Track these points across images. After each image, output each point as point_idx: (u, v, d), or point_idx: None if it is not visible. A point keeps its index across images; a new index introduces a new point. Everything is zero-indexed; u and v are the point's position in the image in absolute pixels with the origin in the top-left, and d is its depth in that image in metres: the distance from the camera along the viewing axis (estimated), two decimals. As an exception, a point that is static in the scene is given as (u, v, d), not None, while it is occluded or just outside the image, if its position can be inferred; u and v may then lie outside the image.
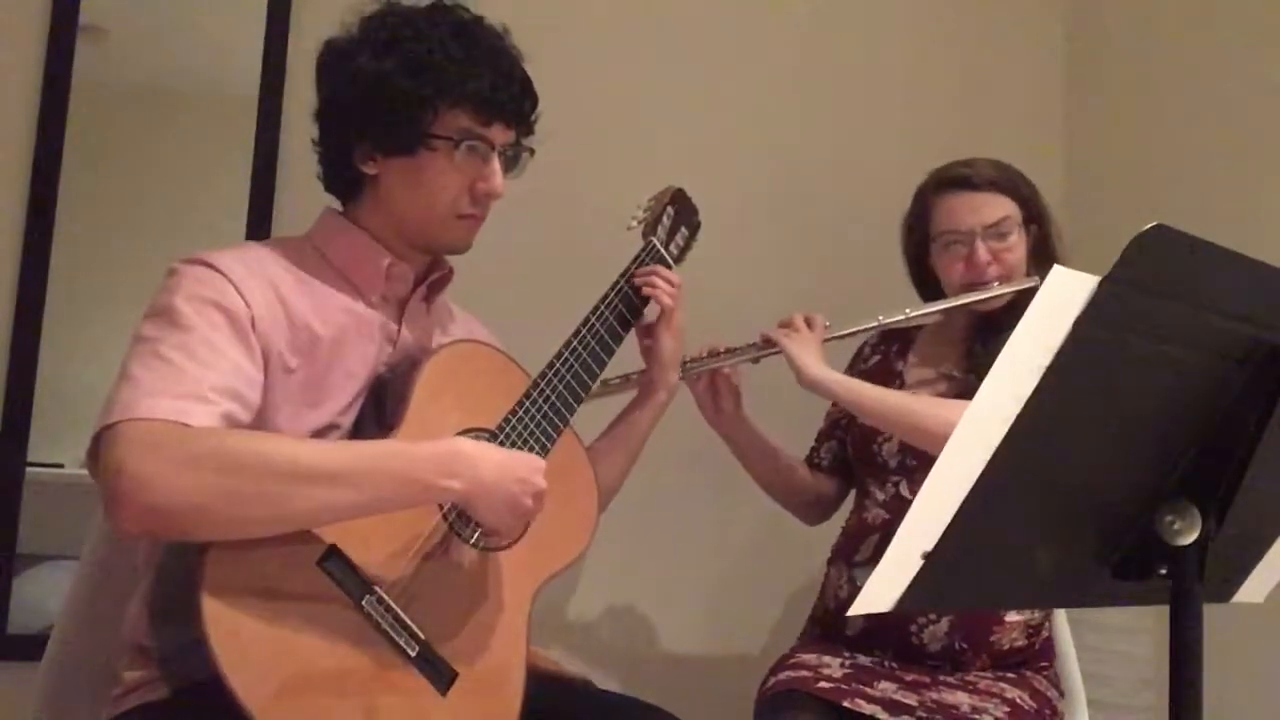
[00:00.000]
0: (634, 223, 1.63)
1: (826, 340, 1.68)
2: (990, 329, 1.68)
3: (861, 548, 1.70)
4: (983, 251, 1.67)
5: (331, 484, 1.10)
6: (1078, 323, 0.83)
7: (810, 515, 1.88)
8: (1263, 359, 0.92)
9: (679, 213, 1.67)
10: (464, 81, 1.29)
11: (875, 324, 1.71)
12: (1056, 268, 0.83)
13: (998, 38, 2.50)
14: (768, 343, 1.67)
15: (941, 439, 1.52)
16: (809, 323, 1.67)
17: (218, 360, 1.16)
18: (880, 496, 1.72)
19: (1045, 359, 0.83)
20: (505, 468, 1.18)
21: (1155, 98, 2.34)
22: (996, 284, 1.67)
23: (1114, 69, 2.47)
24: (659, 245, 1.60)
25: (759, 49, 2.31)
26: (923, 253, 1.78)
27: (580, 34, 2.19)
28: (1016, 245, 1.69)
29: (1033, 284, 1.67)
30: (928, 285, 1.80)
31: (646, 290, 1.52)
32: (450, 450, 1.16)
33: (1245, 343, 0.92)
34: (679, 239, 1.66)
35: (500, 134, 1.34)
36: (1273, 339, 0.92)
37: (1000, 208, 1.69)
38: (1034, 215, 1.73)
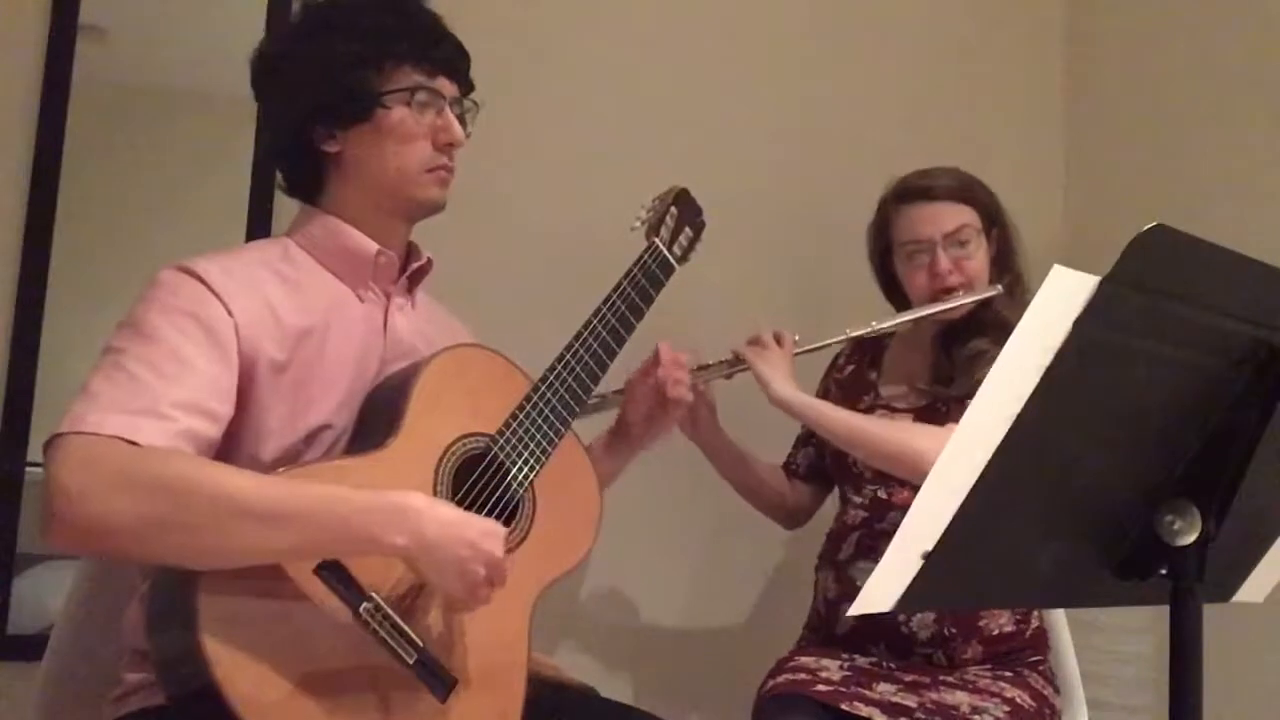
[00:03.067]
0: (637, 223, 1.62)
1: (796, 354, 1.72)
2: (953, 338, 1.74)
3: (844, 547, 1.73)
4: (944, 260, 1.72)
5: (269, 524, 1.07)
6: (1078, 323, 0.83)
7: (787, 520, 1.92)
8: (1263, 359, 0.93)
9: (682, 213, 1.66)
10: (403, 39, 1.33)
11: (842, 337, 1.75)
12: (1056, 267, 0.83)
13: (997, 38, 2.50)
14: (739, 360, 1.70)
15: (900, 462, 1.60)
16: (778, 339, 1.71)
17: (183, 373, 1.15)
18: (858, 500, 1.76)
19: (1045, 359, 0.83)
20: (452, 528, 1.11)
21: (1155, 98, 2.33)
22: (960, 293, 1.72)
23: (1114, 69, 2.47)
24: (662, 247, 1.59)
25: (760, 49, 2.31)
26: (887, 261, 1.83)
27: (585, 34, 2.19)
28: (976, 253, 1.74)
29: (994, 292, 1.72)
30: (894, 292, 1.85)
31: (673, 393, 1.53)
32: (398, 503, 1.11)
33: (1245, 343, 0.92)
34: (682, 240, 1.66)
35: (446, 86, 1.37)
36: (1273, 339, 0.92)
37: (959, 215, 1.73)
38: (994, 222, 1.78)
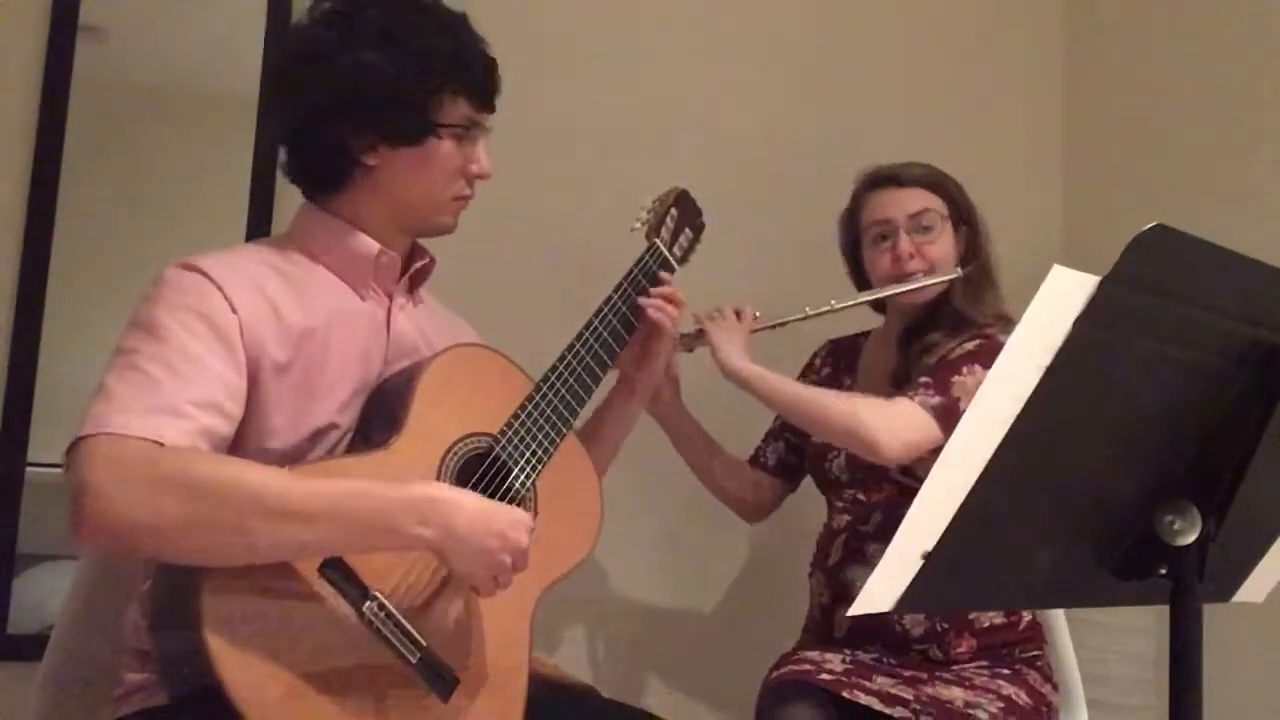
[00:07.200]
0: (637, 224, 1.62)
1: (756, 330, 1.71)
2: (913, 335, 1.73)
3: (832, 552, 1.74)
4: (905, 243, 1.72)
5: (296, 521, 1.07)
6: (1078, 323, 0.83)
7: (750, 513, 1.90)
8: (1263, 359, 0.93)
9: (682, 214, 1.66)
10: (461, 72, 1.31)
11: (801, 315, 1.73)
12: (1056, 267, 0.83)
13: (997, 39, 2.51)
14: (700, 332, 1.69)
15: (845, 434, 1.57)
16: (738, 314, 1.71)
17: (197, 372, 1.15)
18: (840, 505, 1.77)
19: (1045, 359, 0.83)
20: (482, 519, 1.13)
21: (1155, 98, 2.34)
22: (920, 275, 1.71)
23: (1114, 69, 2.47)
24: (662, 247, 1.59)
25: (760, 49, 2.31)
26: (856, 250, 1.83)
27: (586, 34, 2.19)
28: (940, 239, 1.73)
29: (954, 275, 1.72)
30: (863, 281, 1.85)
31: (652, 312, 1.51)
32: (425, 496, 1.12)
33: (1245, 343, 0.92)
34: (683, 240, 1.66)
35: (487, 118, 1.37)
36: (1273, 339, 0.92)
37: (923, 200, 1.74)
38: (963, 216, 1.77)
